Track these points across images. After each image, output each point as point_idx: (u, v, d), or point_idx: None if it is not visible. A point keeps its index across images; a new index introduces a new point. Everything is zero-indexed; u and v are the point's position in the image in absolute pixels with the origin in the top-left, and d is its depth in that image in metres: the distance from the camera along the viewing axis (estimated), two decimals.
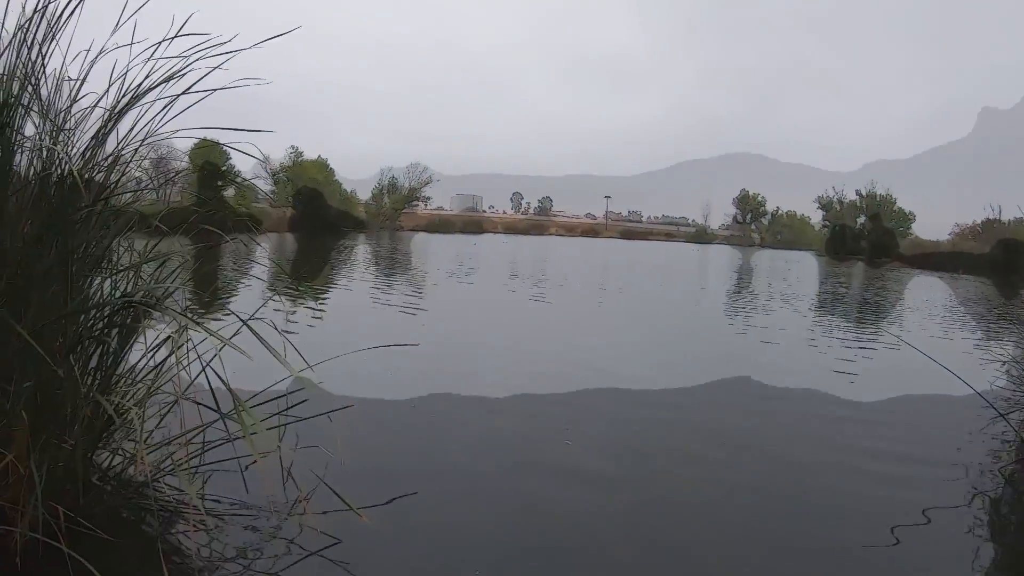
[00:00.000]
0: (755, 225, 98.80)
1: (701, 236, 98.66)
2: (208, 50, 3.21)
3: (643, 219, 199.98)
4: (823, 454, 5.01)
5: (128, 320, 3.29)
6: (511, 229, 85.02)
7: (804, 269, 36.50)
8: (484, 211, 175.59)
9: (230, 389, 2.84)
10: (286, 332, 3.47)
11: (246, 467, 3.39)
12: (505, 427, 5.15)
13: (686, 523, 3.77)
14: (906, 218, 73.12)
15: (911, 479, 4.51)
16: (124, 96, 3.22)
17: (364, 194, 70.41)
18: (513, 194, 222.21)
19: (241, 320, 2.90)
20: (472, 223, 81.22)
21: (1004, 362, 5.76)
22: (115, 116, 3.23)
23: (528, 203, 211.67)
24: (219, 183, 30.40)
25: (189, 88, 3.25)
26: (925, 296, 21.46)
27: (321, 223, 47.53)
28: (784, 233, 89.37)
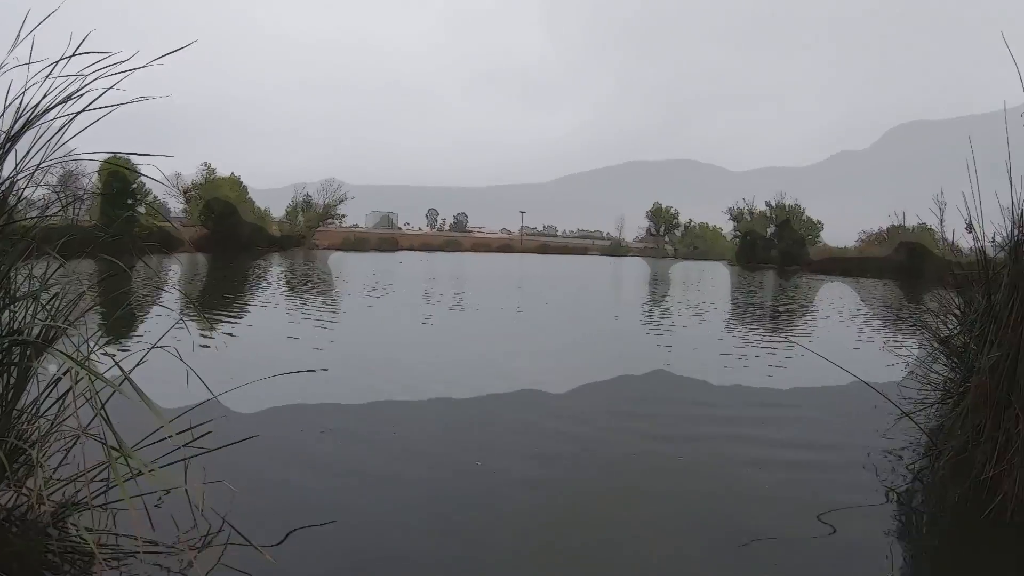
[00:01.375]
0: (668, 237, 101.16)
1: (616, 249, 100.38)
2: (108, 68, 3.20)
3: (558, 233, 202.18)
4: (736, 454, 5.14)
5: (26, 355, 3.22)
6: (427, 246, 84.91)
7: (716, 278, 37.48)
8: (400, 227, 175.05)
9: (115, 433, 2.74)
10: (198, 356, 3.45)
11: (159, 503, 3.36)
12: (417, 449, 5.05)
13: (598, 519, 3.87)
14: (814, 226, 76.08)
15: (822, 477, 4.68)
16: (20, 117, 3.19)
17: (278, 210, 69.48)
18: (429, 210, 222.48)
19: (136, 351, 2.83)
20: (387, 240, 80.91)
21: (908, 363, 6.09)
22: (11, 139, 3.19)
23: (444, 219, 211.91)
24: (129, 201, 29.55)
25: (88, 106, 3.23)
26: (833, 301, 22.33)
27: (234, 242, 46.55)
28: (697, 244, 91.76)
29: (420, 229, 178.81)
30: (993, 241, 4.93)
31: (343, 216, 75.74)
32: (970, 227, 5.01)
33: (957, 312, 5.39)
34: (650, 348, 10.47)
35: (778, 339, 11.98)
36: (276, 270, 28.85)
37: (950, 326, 5.48)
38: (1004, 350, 4.28)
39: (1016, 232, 4.59)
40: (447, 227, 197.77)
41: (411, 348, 9.65)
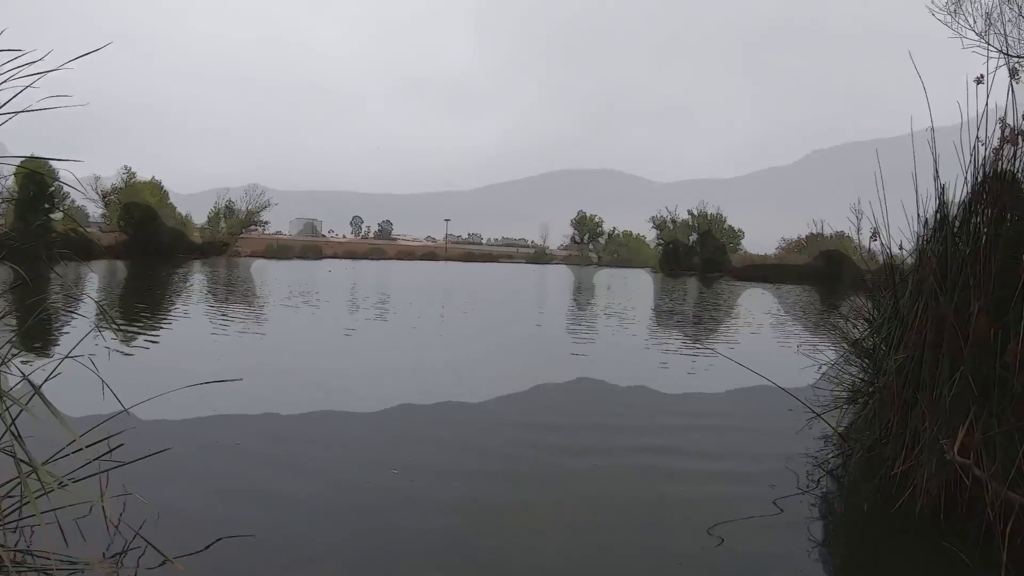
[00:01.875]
0: (592, 245, 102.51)
1: (540, 257, 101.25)
2: (20, 68, 3.14)
3: (483, 241, 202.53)
4: (652, 463, 5.20)
5: None
6: (351, 254, 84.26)
7: (639, 285, 38.10)
8: (324, 235, 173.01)
9: (25, 449, 2.70)
10: (114, 367, 3.41)
11: (81, 517, 3.32)
12: (332, 461, 5.01)
13: (500, 536, 3.85)
14: (736, 235, 78.05)
15: (740, 478, 4.84)
16: None
17: (200, 216, 68.11)
18: (353, 217, 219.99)
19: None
20: (311, 248, 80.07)
21: (821, 365, 6.35)
22: None
23: (368, 226, 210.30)
24: (46, 206, 28.59)
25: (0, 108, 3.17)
26: (752, 307, 22.98)
27: (154, 249, 45.39)
28: (620, 252, 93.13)
29: (344, 236, 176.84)
30: (901, 248, 5.24)
31: (266, 223, 74.77)
32: (875, 235, 5.31)
33: (867, 316, 5.67)
34: (571, 356, 10.54)
35: (698, 346, 12.22)
36: (197, 278, 28.22)
37: (860, 329, 5.76)
38: (909, 351, 4.56)
39: (920, 240, 4.90)
40: (372, 234, 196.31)
41: (331, 358, 9.58)
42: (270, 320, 13.97)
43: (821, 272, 44.92)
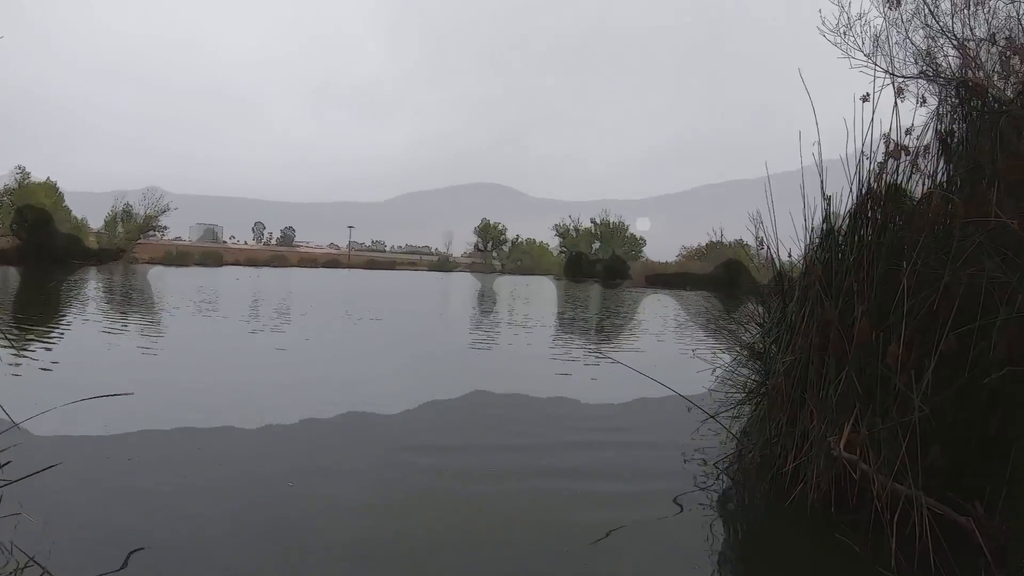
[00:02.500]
0: (496, 252, 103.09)
1: (444, 264, 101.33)
2: None
3: (387, 248, 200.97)
4: (551, 458, 5.38)
5: None
6: (252, 261, 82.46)
7: (543, 293, 38.48)
8: (225, 241, 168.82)
9: None
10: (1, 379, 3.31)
11: None
12: (225, 474, 4.86)
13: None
14: (637, 243, 79.82)
15: (637, 481, 4.98)
16: None
17: (96, 220, 65.50)
18: (255, 223, 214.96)
19: None
20: (211, 255, 77.93)
21: (715, 368, 6.58)
22: None
23: (271, 233, 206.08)
24: None
25: None
26: (653, 314, 23.56)
27: (48, 254, 43.42)
28: (524, 259, 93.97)
29: (246, 243, 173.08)
30: (790, 256, 5.54)
31: (165, 228, 72.48)
32: (762, 243, 5.60)
33: (759, 321, 5.95)
34: (468, 368, 10.48)
35: (599, 354, 12.39)
36: (92, 286, 27.18)
37: (753, 333, 6.04)
38: (797, 354, 4.82)
39: (807, 249, 5.20)
40: (274, 241, 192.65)
41: (229, 371, 9.31)
42: (165, 330, 13.58)
43: (720, 279, 46.47)
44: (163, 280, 34.50)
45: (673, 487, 4.87)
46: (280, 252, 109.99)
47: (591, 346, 13.51)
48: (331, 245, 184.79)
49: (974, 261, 4.00)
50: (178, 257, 69.12)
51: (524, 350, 12.63)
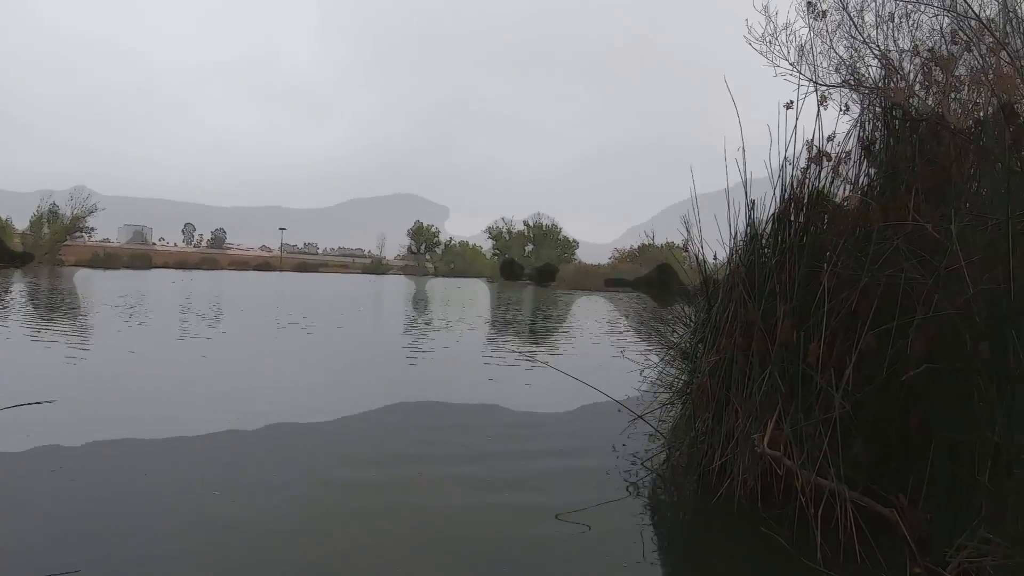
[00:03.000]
0: (429, 255, 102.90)
1: (377, 267, 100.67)
2: None
3: (319, 251, 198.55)
4: (479, 469, 5.32)
5: None
6: (182, 263, 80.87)
7: (475, 295, 38.50)
8: (154, 243, 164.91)
9: None
10: None
11: None
12: (155, 489, 4.64)
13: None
14: (570, 245, 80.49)
15: (567, 483, 4.99)
16: None
17: (21, 220, 63.36)
18: (185, 225, 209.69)
19: None
20: (140, 257, 76.21)
21: (644, 369, 6.68)
22: None
23: (201, 235, 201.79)
24: None
25: None
26: (585, 315, 23.79)
27: None
28: (457, 262, 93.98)
29: (176, 245, 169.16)
30: (715, 259, 5.67)
31: (93, 229, 70.60)
32: (686, 247, 5.72)
33: (685, 321, 6.07)
34: (394, 376, 9.94)
35: (528, 357, 12.31)
36: (17, 289, 26.23)
37: (681, 333, 6.15)
38: (722, 354, 4.94)
39: (731, 252, 5.33)
40: (204, 243, 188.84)
41: (153, 379, 8.90)
42: (91, 336, 13.20)
43: (652, 280, 47.15)
44: (90, 283, 33.49)
45: (603, 489, 4.89)
46: (210, 255, 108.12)
47: (523, 350, 13.50)
48: (263, 247, 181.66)
49: (893, 263, 4.14)
50: (106, 259, 67.61)
51: (455, 356, 12.48)
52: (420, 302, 31.41)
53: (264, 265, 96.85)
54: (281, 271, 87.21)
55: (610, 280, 53.38)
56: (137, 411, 6.95)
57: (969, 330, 3.62)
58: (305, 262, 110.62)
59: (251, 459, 5.46)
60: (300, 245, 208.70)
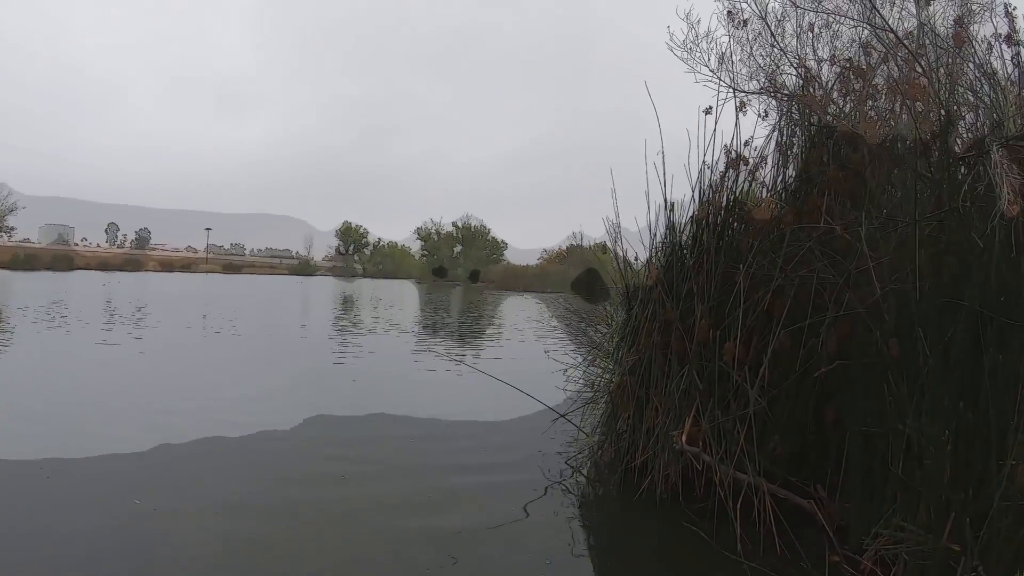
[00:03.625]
0: (358, 256, 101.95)
1: (304, 268, 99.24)
2: None
3: (246, 252, 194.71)
4: (420, 470, 5.35)
5: None
6: (105, 265, 78.48)
7: (404, 296, 38.31)
8: (76, 244, 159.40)
9: None
10: None
11: None
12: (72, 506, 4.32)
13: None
14: (499, 246, 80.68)
15: (490, 484, 5.02)
16: None
17: None
18: (108, 225, 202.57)
19: None
20: (62, 258, 73.73)
21: (567, 368, 6.72)
22: None
23: (125, 235, 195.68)
24: None
25: None
26: (513, 316, 23.91)
27: None
28: (385, 263, 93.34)
29: (99, 246, 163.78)
30: (636, 259, 5.76)
31: (12, 229, 68.31)
32: (604, 250, 5.81)
33: (608, 321, 6.15)
34: (314, 386, 9.30)
35: (454, 359, 12.07)
36: None
37: (603, 333, 6.23)
38: (641, 353, 5.02)
39: (651, 253, 5.43)
40: (128, 244, 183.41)
41: (72, 392, 8.35)
42: (5, 344, 12.63)
43: (580, 281, 47.54)
44: (8, 286, 32.20)
45: (529, 489, 4.91)
46: (135, 255, 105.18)
47: (447, 353, 13.32)
48: (188, 248, 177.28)
49: (806, 264, 4.27)
50: (26, 260, 65.45)
51: (378, 362, 12.02)
52: (348, 304, 30.91)
53: (190, 265, 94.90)
54: (208, 272, 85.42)
55: (536, 280, 53.68)
56: (46, 428, 6.34)
57: (879, 328, 3.75)
58: (231, 263, 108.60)
59: (153, 485, 4.85)
60: (227, 246, 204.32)
